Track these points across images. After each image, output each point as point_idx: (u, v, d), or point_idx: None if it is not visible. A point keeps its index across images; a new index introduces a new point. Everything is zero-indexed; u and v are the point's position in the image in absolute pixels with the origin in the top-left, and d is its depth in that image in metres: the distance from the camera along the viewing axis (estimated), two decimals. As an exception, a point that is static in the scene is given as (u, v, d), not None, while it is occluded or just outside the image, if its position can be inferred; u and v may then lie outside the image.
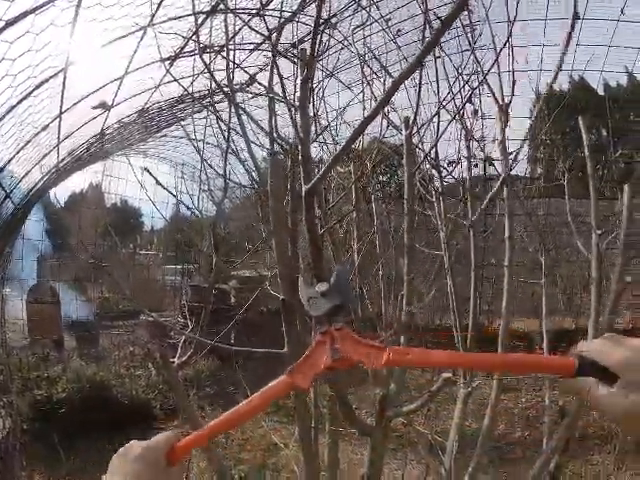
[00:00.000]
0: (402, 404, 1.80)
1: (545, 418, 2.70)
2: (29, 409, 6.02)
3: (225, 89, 1.76)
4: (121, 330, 11.45)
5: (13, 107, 3.07)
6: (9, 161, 4.10)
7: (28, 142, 4.13)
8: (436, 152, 2.63)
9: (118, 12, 2.92)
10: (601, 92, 12.87)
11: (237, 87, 2.07)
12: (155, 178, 2.24)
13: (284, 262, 1.51)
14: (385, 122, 2.63)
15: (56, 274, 13.07)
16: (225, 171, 1.98)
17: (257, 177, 1.92)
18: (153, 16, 3.00)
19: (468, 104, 2.77)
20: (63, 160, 5.46)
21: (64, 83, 3.41)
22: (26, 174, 4.78)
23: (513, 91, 2.69)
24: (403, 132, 2.12)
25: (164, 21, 3.10)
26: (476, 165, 2.96)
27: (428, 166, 2.95)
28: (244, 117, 1.74)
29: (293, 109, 1.36)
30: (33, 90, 3.08)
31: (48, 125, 4.08)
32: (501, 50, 2.34)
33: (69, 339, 10.31)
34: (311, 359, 0.99)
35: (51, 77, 3.11)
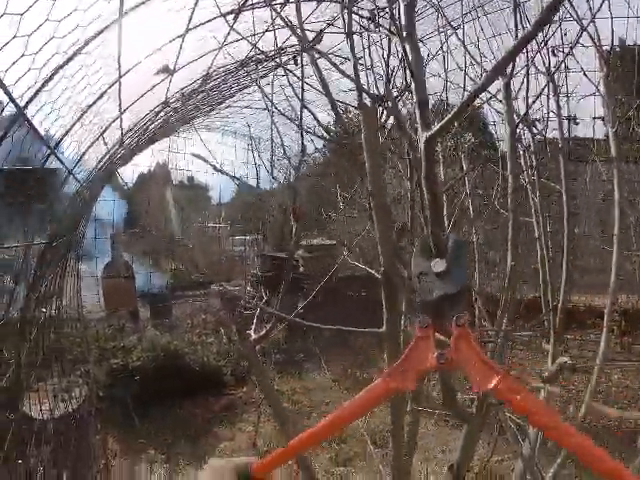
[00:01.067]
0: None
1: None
2: (106, 377, 6.28)
3: (298, 37, 1.58)
4: (193, 299, 11.87)
5: (61, 66, 2.86)
6: (67, 132, 3.92)
7: (86, 111, 3.93)
8: (527, 109, 2.35)
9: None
10: None
11: (314, 37, 1.87)
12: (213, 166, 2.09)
13: (385, 227, 1.33)
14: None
15: (129, 250, 13.62)
16: (302, 131, 1.81)
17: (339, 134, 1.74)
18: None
19: (554, 57, 2.50)
20: (127, 133, 5.35)
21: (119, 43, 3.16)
22: (89, 147, 4.61)
23: (613, 40, 2.38)
24: (500, 81, 1.87)
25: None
26: (577, 123, 2.63)
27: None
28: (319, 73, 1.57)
29: (399, 40, 1.16)
30: (82, 47, 2.88)
31: (106, 91, 3.87)
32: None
33: (144, 310, 10.81)
34: (412, 358, 0.85)
35: (101, 32, 2.89)
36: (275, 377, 7.34)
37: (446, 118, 0.85)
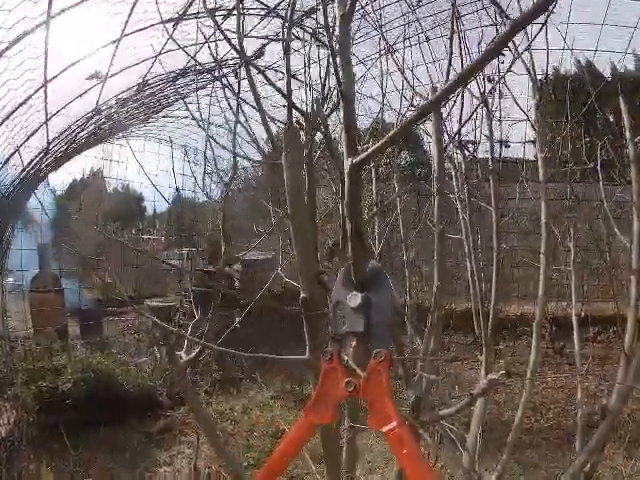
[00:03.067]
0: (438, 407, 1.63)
1: (578, 415, 2.54)
2: (35, 401, 5.87)
3: (237, 51, 1.55)
4: (125, 317, 11.39)
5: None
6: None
7: (8, 117, 3.68)
8: (458, 131, 2.45)
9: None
10: (608, 75, 12.52)
11: (254, 52, 1.84)
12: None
13: (306, 253, 1.31)
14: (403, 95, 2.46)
15: (58, 262, 12.90)
16: (234, 147, 1.78)
17: (270, 151, 1.72)
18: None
19: (488, 82, 2.64)
20: (53, 141, 5.05)
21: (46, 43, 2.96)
22: (10, 156, 4.31)
23: (547, 70, 2.54)
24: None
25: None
26: (508, 146, 2.79)
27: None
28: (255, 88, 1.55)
29: (331, 54, 1.14)
30: (6, 48, 2.66)
31: (30, 97, 3.61)
32: (542, 29, 2.17)
33: (73, 327, 10.22)
34: (324, 391, 0.90)
35: (26, 34, 2.68)
36: (214, 396, 7.17)
37: (374, 146, 0.83)
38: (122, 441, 5.96)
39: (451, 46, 2.00)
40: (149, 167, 12.62)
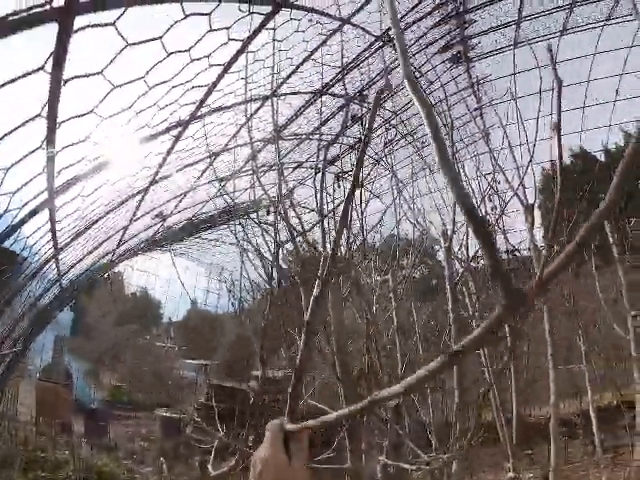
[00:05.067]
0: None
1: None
2: (30, 490, 5.79)
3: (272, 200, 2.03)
4: (133, 422, 11.08)
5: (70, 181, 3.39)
6: (67, 245, 4.32)
7: (86, 229, 4.43)
8: (467, 256, 2.80)
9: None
10: (602, 158, 12.77)
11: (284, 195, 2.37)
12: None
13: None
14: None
15: (71, 356, 12.95)
16: (271, 270, 2.16)
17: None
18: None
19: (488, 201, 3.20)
20: (115, 253, 5.88)
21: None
22: (78, 262, 5.07)
23: (536, 195, 3.02)
24: (442, 244, 2.42)
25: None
26: (515, 255, 3.25)
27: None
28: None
29: None
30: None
31: (109, 212, 4.57)
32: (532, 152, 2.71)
33: (78, 424, 10.01)
34: None
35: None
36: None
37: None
38: None
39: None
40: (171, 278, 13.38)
